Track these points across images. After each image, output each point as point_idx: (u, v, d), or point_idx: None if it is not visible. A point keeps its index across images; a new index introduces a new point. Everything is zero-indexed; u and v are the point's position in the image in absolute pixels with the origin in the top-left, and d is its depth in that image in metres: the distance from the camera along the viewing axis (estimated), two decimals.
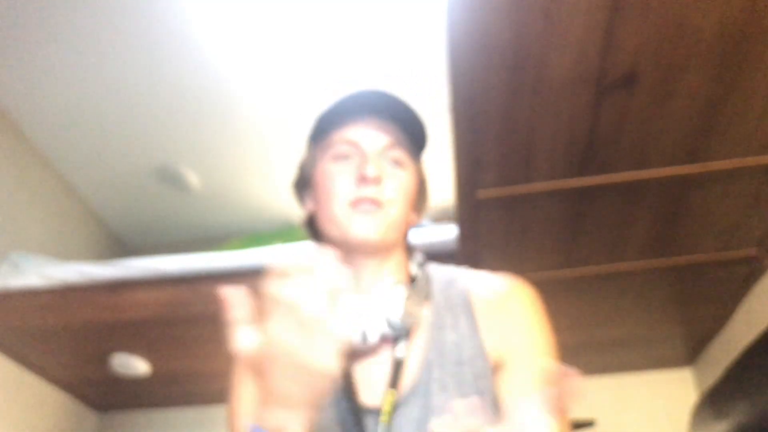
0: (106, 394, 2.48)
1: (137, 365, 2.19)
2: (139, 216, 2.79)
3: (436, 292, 0.93)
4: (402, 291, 0.86)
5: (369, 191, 0.87)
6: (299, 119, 2.33)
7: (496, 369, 0.88)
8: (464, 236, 1.64)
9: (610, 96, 1.27)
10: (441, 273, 0.97)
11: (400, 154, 0.93)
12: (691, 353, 2.34)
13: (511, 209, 1.57)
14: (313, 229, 0.98)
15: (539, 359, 0.88)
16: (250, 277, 1.93)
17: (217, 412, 2.58)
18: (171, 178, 2.58)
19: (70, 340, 2.07)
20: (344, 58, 2.12)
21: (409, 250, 0.98)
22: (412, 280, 0.93)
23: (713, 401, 1.83)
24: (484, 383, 0.85)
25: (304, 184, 0.99)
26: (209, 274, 1.94)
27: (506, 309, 0.91)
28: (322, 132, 0.96)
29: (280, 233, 2.62)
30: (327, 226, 0.91)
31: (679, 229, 1.63)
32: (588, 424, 2.26)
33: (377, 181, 0.88)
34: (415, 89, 1.96)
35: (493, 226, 1.62)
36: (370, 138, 0.92)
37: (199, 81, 2.19)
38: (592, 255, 1.73)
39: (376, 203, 0.87)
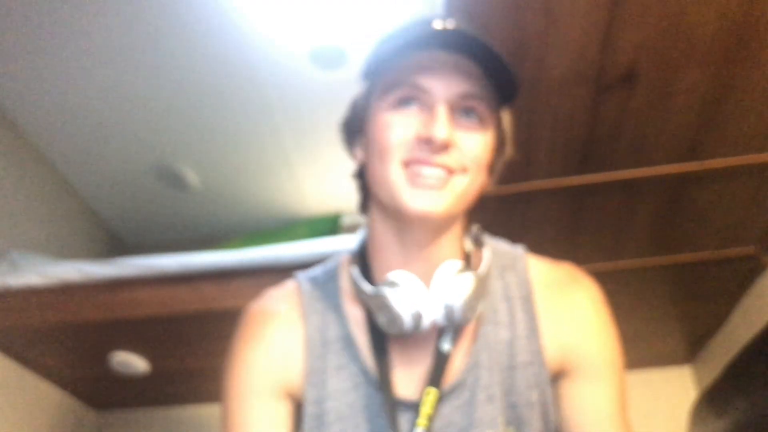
0: (106, 393, 2.48)
1: (136, 364, 2.19)
2: (138, 215, 2.79)
3: (493, 278, 0.81)
4: (471, 279, 0.73)
5: (434, 158, 0.70)
6: (299, 118, 2.33)
7: (558, 374, 0.80)
8: None
9: (609, 94, 1.27)
10: (497, 251, 0.84)
11: (479, 106, 0.73)
12: (690, 351, 2.34)
13: (511, 207, 1.57)
14: (362, 183, 0.82)
15: (616, 377, 0.80)
16: (249, 275, 1.93)
17: (216, 411, 2.57)
18: (170, 177, 2.57)
19: (70, 338, 2.06)
20: (343, 59, 2.11)
21: (469, 218, 0.84)
22: (467, 257, 0.81)
23: (712, 399, 1.83)
24: (538, 393, 0.76)
25: (354, 127, 0.80)
26: (208, 272, 1.94)
27: (577, 309, 0.81)
28: (381, 66, 0.75)
29: (280, 232, 2.62)
30: (378, 189, 0.75)
31: (679, 227, 1.63)
32: None
33: (446, 146, 0.69)
34: None
35: (492, 224, 1.62)
36: (444, 83, 0.71)
37: (199, 80, 2.19)
38: (591, 253, 1.73)
39: (445, 172, 0.70)
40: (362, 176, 0.82)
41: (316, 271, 0.87)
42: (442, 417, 0.74)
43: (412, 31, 0.72)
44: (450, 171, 0.71)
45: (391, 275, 0.74)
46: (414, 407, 0.75)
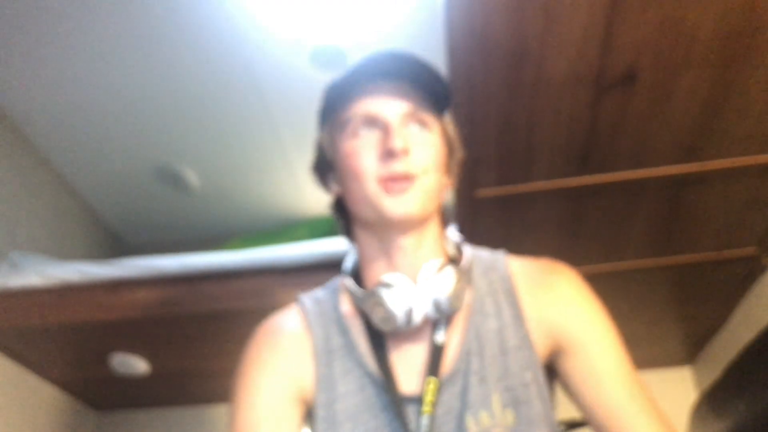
0: (106, 394, 2.48)
1: (136, 364, 2.19)
2: (139, 215, 2.79)
3: (477, 276, 0.89)
4: (451, 273, 0.82)
5: (398, 166, 0.81)
6: (299, 119, 2.33)
7: (553, 355, 0.85)
8: (463, 235, 1.64)
9: (609, 95, 1.27)
10: (479, 256, 0.92)
11: (424, 117, 0.85)
12: (690, 352, 2.34)
13: (510, 208, 1.57)
14: (341, 212, 0.93)
15: (611, 340, 0.85)
16: (249, 276, 1.94)
17: (216, 412, 2.58)
18: (170, 178, 2.57)
19: (70, 339, 2.06)
20: (343, 58, 2.11)
21: (444, 223, 0.93)
22: (451, 260, 0.88)
23: (712, 400, 1.83)
24: (531, 373, 0.82)
25: (324, 166, 0.92)
26: (209, 273, 1.94)
27: (557, 293, 0.87)
28: (335, 107, 0.88)
29: (280, 232, 2.62)
30: (359, 208, 0.86)
31: (678, 228, 1.63)
32: (584, 423, 2.26)
33: (405, 152, 0.81)
34: None
35: (492, 225, 1.62)
36: (390, 106, 0.84)
37: (199, 80, 2.19)
38: (591, 254, 1.73)
39: (408, 178, 0.81)
40: (339, 207, 0.93)
41: (317, 292, 0.96)
42: (442, 404, 0.80)
43: (356, 71, 0.84)
44: (413, 177, 0.82)
45: (383, 277, 0.83)
46: (417, 400, 0.80)
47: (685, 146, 1.38)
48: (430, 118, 0.86)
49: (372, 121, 0.84)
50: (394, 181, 0.81)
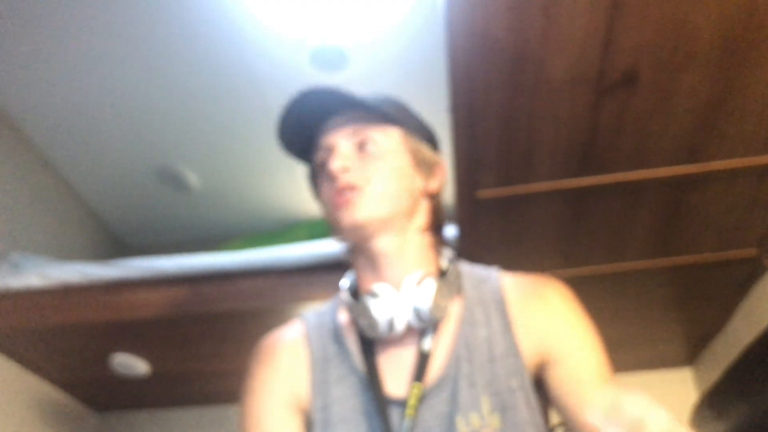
0: (106, 394, 2.48)
1: (137, 365, 2.19)
2: (139, 216, 2.79)
3: (468, 288, 0.93)
4: (432, 283, 0.87)
5: (339, 182, 0.89)
6: None
7: (541, 366, 0.88)
8: (463, 236, 1.64)
9: (609, 96, 1.27)
10: (473, 270, 0.97)
11: (366, 134, 0.93)
12: (691, 353, 2.34)
13: (511, 209, 1.57)
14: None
15: (594, 352, 0.88)
16: (250, 277, 1.93)
17: (217, 412, 2.58)
18: (171, 178, 2.57)
19: (70, 340, 2.06)
20: (343, 59, 2.11)
21: (439, 240, 0.98)
22: (443, 273, 0.93)
23: (713, 401, 1.83)
24: (517, 380, 0.84)
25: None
26: (209, 274, 1.94)
27: (546, 306, 0.90)
28: (305, 153, 1.00)
29: (280, 233, 2.62)
30: (335, 231, 0.95)
31: (679, 229, 1.63)
32: None
33: (344, 170, 0.89)
34: (414, 89, 1.96)
35: (493, 227, 1.62)
36: (333, 135, 0.94)
37: (200, 81, 2.19)
38: (592, 255, 1.73)
39: (350, 188, 0.89)
40: None
41: (321, 306, 1.02)
42: (432, 409, 0.83)
43: (301, 116, 0.96)
44: (356, 187, 0.89)
45: (371, 286, 0.90)
46: (404, 403, 0.84)
47: (685, 147, 1.38)
48: (374, 133, 0.93)
49: (327, 151, 0.94)
50: (341, 195, 0.89)
